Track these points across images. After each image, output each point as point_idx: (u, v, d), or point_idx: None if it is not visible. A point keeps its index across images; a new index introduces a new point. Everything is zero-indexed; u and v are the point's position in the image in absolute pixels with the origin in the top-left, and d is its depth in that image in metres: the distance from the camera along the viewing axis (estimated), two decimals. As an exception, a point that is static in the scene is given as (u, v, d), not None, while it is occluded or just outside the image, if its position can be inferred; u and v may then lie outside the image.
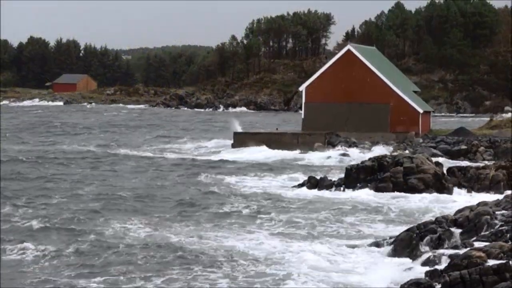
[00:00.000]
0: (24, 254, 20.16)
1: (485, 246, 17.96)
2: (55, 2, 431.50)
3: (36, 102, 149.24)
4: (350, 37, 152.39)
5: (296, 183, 34.72)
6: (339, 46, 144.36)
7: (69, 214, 25.68)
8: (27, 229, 23.23)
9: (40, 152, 48.50)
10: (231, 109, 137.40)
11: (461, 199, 29.99)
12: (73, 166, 41.04)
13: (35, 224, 23.77)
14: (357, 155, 46.43)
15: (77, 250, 20.49)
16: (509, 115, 68.65)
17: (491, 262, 16.32)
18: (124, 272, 18.37)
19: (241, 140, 52.46)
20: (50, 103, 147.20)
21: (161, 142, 59.90)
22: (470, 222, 21.22)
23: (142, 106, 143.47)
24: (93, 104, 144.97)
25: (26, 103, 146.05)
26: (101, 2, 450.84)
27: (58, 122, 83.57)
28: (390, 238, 21.70)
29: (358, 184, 32.66)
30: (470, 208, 23.08)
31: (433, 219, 22.39)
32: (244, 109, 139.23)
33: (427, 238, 20.18)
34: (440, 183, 32.01)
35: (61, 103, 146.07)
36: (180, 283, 17.60)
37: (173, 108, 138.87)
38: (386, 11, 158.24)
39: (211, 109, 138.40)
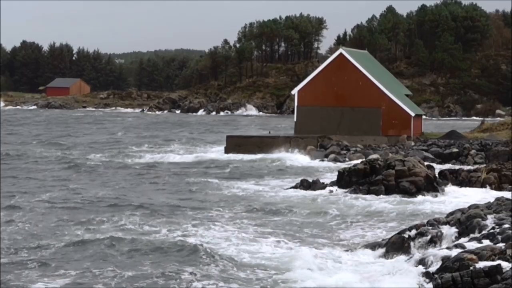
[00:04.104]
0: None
1: (477, 248, 18.05)
2: (48, 6, 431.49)
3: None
4: (342, 41, 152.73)
5: (289, 186, 34.83)
6: (331, 50, 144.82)
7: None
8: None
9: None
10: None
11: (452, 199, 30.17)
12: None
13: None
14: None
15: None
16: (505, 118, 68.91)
17: (483, 264, 16.42)
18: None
19: (233, 144, 52.49)
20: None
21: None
22: (462, 225, 21.34)
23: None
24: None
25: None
26: (94, 6, 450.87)
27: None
28: (383, 240, 21.81)
29: (350, 187, 32.77)
30: (462, 211, 23.20)
31: (425, 221, 22.50)
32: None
33: (419, 240, 20.29)
34: (432, 186, 32.15)
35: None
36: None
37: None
38: (377, 15, 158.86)
39: (204, 112, 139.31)
